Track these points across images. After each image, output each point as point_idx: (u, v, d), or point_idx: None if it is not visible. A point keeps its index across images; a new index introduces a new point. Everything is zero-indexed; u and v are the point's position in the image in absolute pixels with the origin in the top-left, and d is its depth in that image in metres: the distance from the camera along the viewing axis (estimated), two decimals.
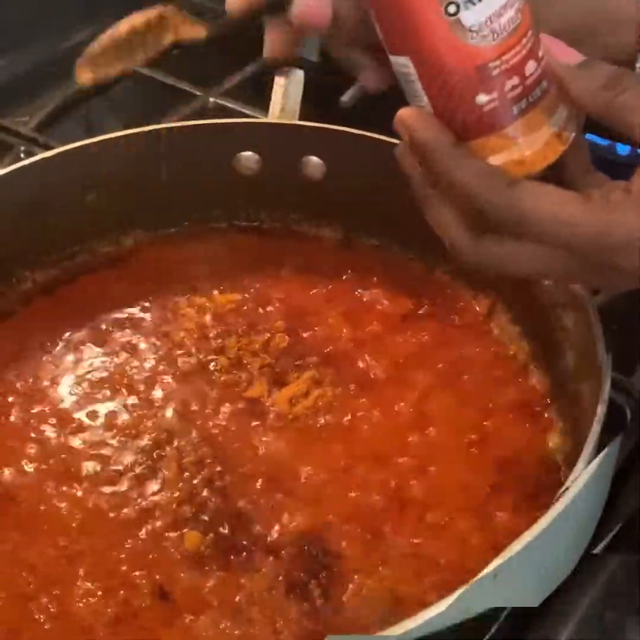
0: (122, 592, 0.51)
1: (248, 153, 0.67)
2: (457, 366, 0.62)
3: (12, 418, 0.60)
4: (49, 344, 0.64)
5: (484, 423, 0.59)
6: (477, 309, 0.66)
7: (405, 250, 0.69)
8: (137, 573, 0.52)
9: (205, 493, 0.55)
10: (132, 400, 0.61)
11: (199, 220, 0.71)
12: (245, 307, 0.67)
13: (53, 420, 0.60)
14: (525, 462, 0.56)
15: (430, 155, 0.45)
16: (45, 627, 0.50)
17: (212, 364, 0.63)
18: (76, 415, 0.60)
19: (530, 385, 0.61)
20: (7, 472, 0.57)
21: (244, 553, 0.53)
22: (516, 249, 0.44)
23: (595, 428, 0.47)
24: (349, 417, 0.59)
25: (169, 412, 0.60)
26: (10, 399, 0.61)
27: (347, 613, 0.51)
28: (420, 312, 0.66)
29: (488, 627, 0.50)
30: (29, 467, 0.57)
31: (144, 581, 0.52)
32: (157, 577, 0.52)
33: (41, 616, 0.51)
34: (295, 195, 0.70)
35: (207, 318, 0.66)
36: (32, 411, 0.60)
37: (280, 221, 0.72)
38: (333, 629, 0.50)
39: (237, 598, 0.51)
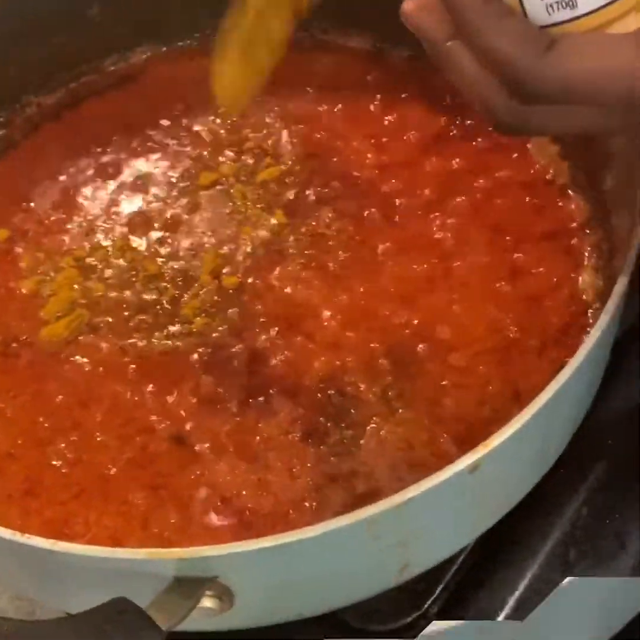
0: (138, 438, 0.51)
1: None
2: (490, 192, 0.58)
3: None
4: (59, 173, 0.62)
5: (516, 255, 0.55)
6: None
7: None
8: (153, 418, 0.52)
9: (223, 336, 0.54)
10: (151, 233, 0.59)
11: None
12: (265, 131, 0.62)
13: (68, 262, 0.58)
14: (554, 301, 0.53)
15: (459, 16, 0.36)
16: (63, 471, 0.50)
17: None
18: (90, 259, 0.58)
19: (567, 212, 0.57)
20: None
21: (261, 397, 0.52)
22: (564, 109, 0.37)
23: (629, 260, 0.44)
24: (372, 252, 0.56)
25: (185, 244, 0.58)
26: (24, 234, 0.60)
27: (363, 458, 0.50)
28: (454, 132, 0.61)
29: (450, 563, 0.49)
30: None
31: (161, 426, 0.51)
32: (174, 422, 0.51)
33: (59, 462, 0.51)
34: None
35: (222, 142, 0.62)
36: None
37: (305, 30, 0.66)
38: (349, 474, 0.49)
39: (254, 443, 0.50)
